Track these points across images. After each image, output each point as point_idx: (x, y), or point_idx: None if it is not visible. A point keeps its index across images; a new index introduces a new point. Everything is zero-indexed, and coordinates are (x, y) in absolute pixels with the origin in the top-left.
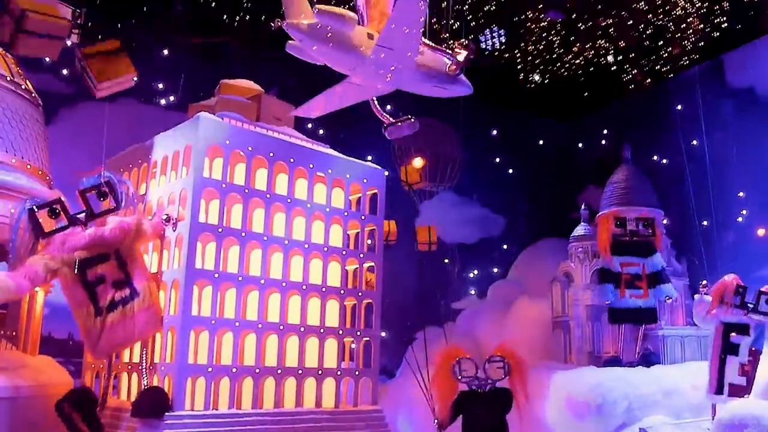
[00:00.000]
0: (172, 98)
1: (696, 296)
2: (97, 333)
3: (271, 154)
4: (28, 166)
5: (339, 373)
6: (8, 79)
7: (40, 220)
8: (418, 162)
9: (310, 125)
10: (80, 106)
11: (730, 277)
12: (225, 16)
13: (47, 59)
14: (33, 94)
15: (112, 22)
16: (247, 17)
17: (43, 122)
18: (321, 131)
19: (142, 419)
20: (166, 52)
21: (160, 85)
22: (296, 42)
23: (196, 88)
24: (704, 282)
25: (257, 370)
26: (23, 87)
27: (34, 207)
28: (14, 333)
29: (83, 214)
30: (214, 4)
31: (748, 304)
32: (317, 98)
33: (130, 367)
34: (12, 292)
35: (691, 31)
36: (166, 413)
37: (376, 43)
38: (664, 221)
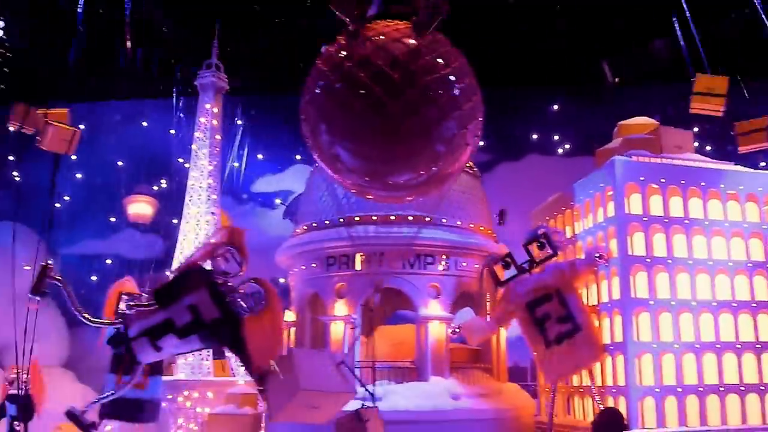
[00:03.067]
0: (567, 146)
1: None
2: (549, 362)
3: (683, 182)
4: (481, 228)
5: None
6: None
7: (496, 272)
8: None
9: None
10: (498, 169)
11: None
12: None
13: None
14: (474, 169)
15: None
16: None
17: (482, 189)
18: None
19: None
20: (555, 107)
21: (556, 137)
22: None
23: (577, 131)
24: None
25: (700, 389)
26: (469, 166)
27: (491, 263)
28: (489, 365)
29: (528, 263)
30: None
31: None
32: None
33: (581, 390)
34: (487, 332)
35: None
36: (623, 431)
37: None
38: None
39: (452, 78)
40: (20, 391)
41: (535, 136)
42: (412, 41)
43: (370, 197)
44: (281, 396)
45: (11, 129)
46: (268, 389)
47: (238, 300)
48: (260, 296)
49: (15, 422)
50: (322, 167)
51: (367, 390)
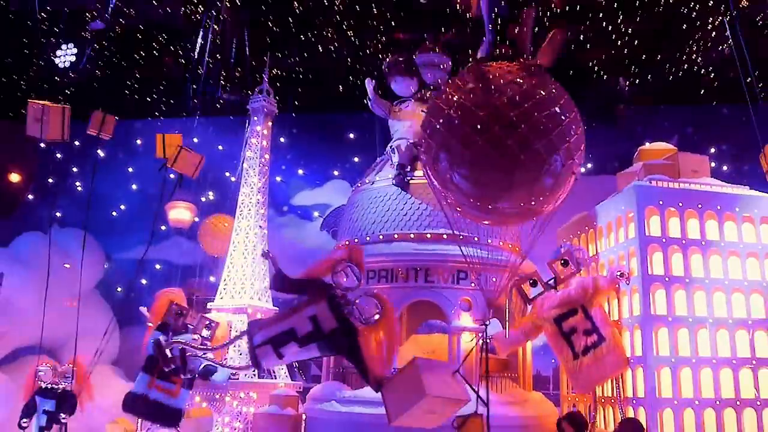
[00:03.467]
0: (589, 165)
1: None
2: (576, 374)
3: (699, 206)
4: (510, 245)
5: None
6: None
7: (524, 290)
8: None
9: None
10: None
11: None
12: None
13: None
14: None
15: None
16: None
17: None
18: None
19: None
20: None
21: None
22: None
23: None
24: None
25: (717, 402)
26: None
27: (518, 282)
28: (516, 374)
29: (553, 281)
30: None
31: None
32: None
33: (603, 400)
34: (517, 344)
35: None
36: None
37: None
38: None
39: (559, 112)
40: (61, 387)
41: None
42: (523, 80)
43: (469, 218)
44: (403, 401)
45: (90, 133)
46: (386, 395)
47: (355, 312)
48: (376, 309)
49: (61, 414)
50: (433, 186)
51: (479, 397)
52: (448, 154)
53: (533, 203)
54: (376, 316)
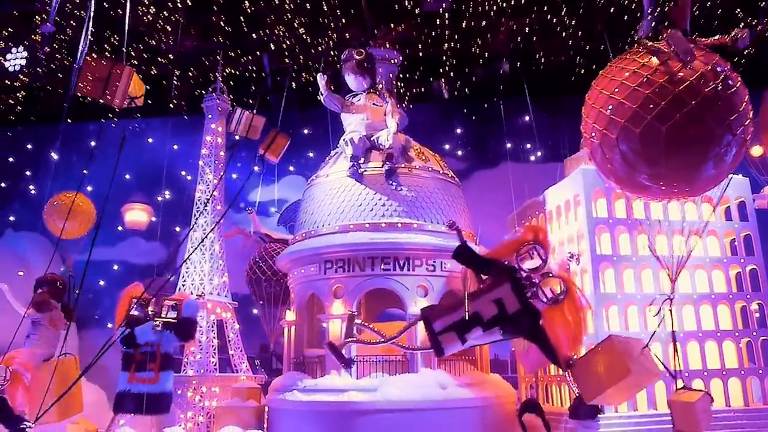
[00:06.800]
0: (539, 153)
1: None
2: (527, 354)
3: None
4: (463, 232)
5: (742, 372)
6: (441, 172)
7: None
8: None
9: None
10: (474, 176)
11: None
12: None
13: None
14: (455, 178)
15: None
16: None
17: (463, 196)
18: None
19: (578, 420)
20: (527, 118)
21: (528, 145)
22: None
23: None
24: None
25: (666, 376)
26: (450, 175)
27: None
28: (473, 357)
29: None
30: None
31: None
32: None
33: (558, 378)
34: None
35: None
36: (599, 415)
37: None
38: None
39: (735, 98)
40: None
41: (509, 145)
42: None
43: (632, 193)
44: (603, 379)
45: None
46: (579, 376)
47: (540, 293)
48: (561, 289)
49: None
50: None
51: (671, 374)
52: (626, 142)
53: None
54: (561, 297)
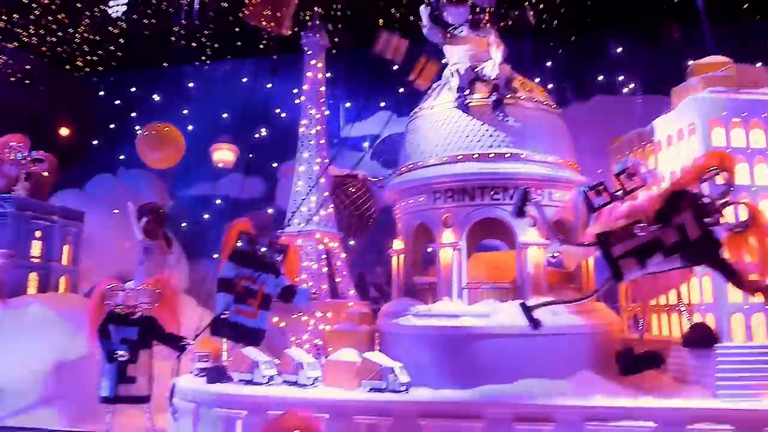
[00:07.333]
0: (632, 85)
1: None
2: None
3: (764, 115)
4: (568, 162)
5: None
6: (545, 103)
7: (590, 199)
8: None
9: None
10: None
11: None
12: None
13: None
14: (555, 107)
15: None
16: None
17: (564, 125)
18: None
19: (693, 349)
20: (620, 49)
21: (620, 77)
22: None
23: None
24: None
25: None
26: (553, 106)
27: (585, 190)
28: (580, 286)
29: (620, 192)
30: None
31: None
32: None
33: (668, 308)
34: (582, 257)
35: None
36: (715, 345)
37: None
38: None
39: None
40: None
41: (600, 78)
42: None
43: None
44: None
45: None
46: None
47: (720, 220)
48: (747, 216)
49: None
50: None
51: None
52: None
53: None
54: (747, 223)
